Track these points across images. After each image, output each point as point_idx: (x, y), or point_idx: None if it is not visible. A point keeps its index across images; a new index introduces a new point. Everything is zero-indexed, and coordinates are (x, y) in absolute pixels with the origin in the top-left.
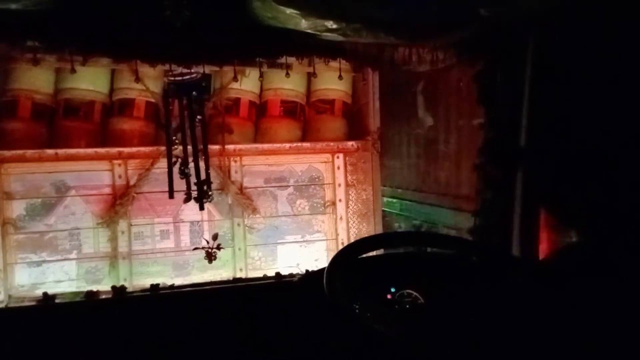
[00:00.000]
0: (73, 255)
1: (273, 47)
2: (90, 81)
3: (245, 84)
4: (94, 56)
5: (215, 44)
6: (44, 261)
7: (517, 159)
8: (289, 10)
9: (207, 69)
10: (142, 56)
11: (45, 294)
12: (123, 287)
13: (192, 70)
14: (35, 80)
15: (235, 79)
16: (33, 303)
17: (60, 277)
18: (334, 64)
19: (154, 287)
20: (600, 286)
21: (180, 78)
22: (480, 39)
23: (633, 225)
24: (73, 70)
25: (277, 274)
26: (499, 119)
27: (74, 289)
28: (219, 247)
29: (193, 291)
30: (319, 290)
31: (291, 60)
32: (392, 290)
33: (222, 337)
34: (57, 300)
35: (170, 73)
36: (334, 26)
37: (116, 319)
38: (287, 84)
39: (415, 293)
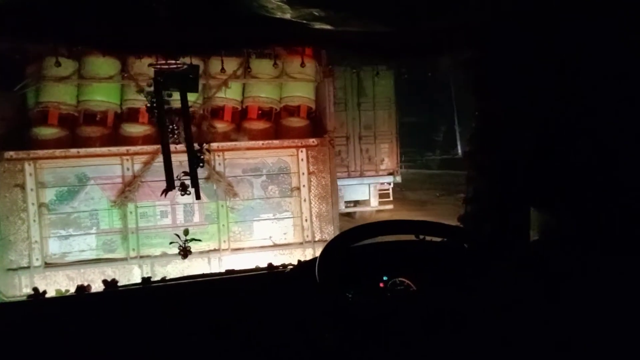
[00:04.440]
0: (93, 231)
1: (260, 37)
2: (104, 94)
3: (229, 94)
4: (80, 48)
5: (202, 35)
6: (71, 235)
7: (507, 148)
8: None
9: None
10: (128, 48)
11: (35, 289)
12: (114, 281)
13: (179, 61)
14: (61, 94)
15: (225, 84)
16: (23, 299)
17: (83, 247)
18: (299, 75)
19: (145, 280)
20: (590, 275)
21: (166, 67)
22: (470, 27)
23: (623, 214)
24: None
25: (269, 264)
26: (489, 107)
27: (94, 257)
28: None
29: (185, 283)
30: (312, 280)
31: (264, 73)
32: (385, 278)
33: (215, 329)
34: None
35: (156, 63)
36: (321, 14)
37: (108, 313)
38: (263, 92)
39: (407, 281)
